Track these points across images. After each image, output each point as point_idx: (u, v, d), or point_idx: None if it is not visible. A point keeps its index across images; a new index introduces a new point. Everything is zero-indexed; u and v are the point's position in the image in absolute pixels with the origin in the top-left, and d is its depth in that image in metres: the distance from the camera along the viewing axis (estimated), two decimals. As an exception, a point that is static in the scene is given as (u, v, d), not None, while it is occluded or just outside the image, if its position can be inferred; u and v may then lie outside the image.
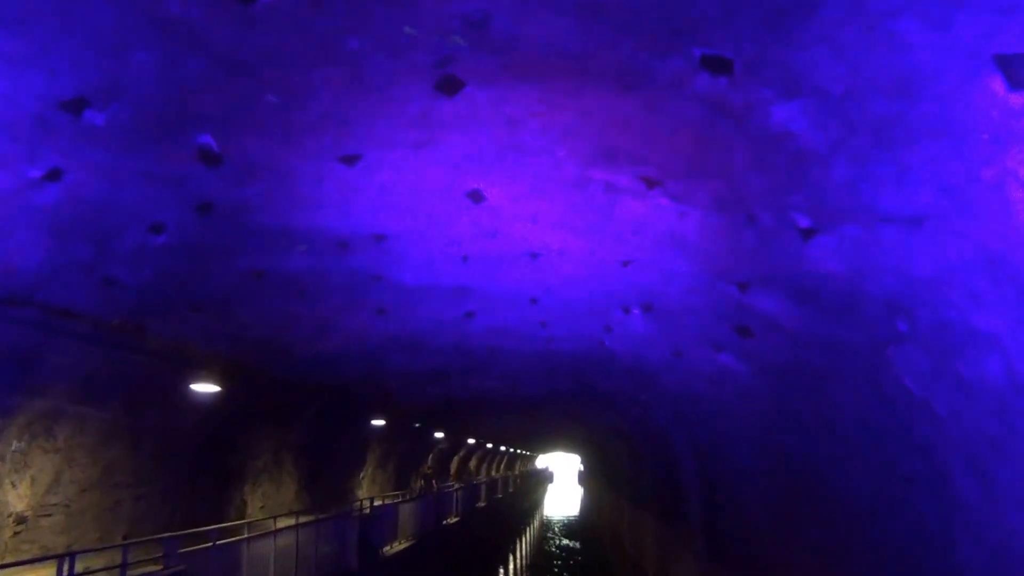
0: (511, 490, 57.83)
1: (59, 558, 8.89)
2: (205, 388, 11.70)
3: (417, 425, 27.67)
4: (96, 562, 12.18)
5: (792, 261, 5.91)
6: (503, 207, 7.18)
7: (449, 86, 5.27)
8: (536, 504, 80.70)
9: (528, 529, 55.42)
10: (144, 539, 11.47)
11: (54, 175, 6.20)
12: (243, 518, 19.50)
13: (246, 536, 12.15)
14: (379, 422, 22.54)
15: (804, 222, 5.22)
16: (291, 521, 14.63)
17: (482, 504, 39.43)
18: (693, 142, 5.31)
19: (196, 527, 13.88)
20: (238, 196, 6.89)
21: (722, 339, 9.12)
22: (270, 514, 20.73)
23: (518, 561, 40.23)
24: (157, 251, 8.33)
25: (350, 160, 6.29)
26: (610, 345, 13.87)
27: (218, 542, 11.12)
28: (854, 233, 5.12)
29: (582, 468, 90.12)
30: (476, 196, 6.99)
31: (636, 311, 10.39)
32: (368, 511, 18.54)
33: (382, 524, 18.41)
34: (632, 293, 9.12)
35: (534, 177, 6.54)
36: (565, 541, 49.51)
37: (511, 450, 69.32)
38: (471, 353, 16.41)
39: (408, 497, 24.26)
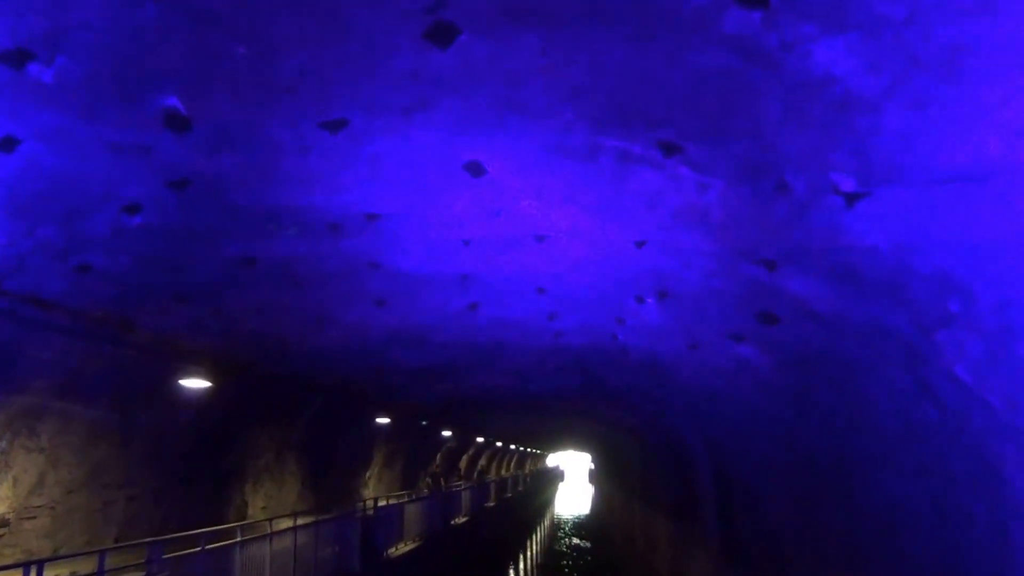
0: (521, 489, 57.24)
1: (24, 566, 8.30)
2: (195, 384, 11.12)
3: (424, 423, 27.07)
4: (84, 566, 11.64)
5: (829, 234, 5.26)
6: (505, 181, 6.55)
7: (441, 35, 4.64)
8: (547, 503, 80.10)
9: (539, 528, 54.80)
10: (124, 544, 10.85)
11: (7, 144, 5.60)
12: (244, 519, 18.95)
13: (238, 540, 11.55)
14: (384, 420, 21.93)
15: (847, 185, 4.56)
16: (289, 523, 14.02)
17: (492, 503, 38.83)
18: (719, 97, 4.66)
19: (193, 529, 13.33)
20: (214, 169, 6.27)
21: (743, 328, 8.46)
22: (272, 515, 20.21)
23: (528, 561, 39.62)
24: (134, 234, 7.73)
25: (334, 127, 5.67)
26: (623, 339, 13.22)
27: (207, 546, 10.51)
28: (904, 197, 4.47)
29: (593, 467, 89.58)
30: (475, 168, 6.36)
31: (650, 300, 9.73)
32: (371, 512, 17.93)
33: (386, 525, 17.81)
34: (646, 278, 8.47)
35: (539, 146, 5.90)
36: (576, 540, 48.88)
37: (521, 449, 68.76)
38: (477, 348, 15.78)
39: (414, 497, 23.66)
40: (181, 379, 10.87)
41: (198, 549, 10.43)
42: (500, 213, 7.26)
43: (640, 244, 7.27)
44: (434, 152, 6.12)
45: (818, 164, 4.63)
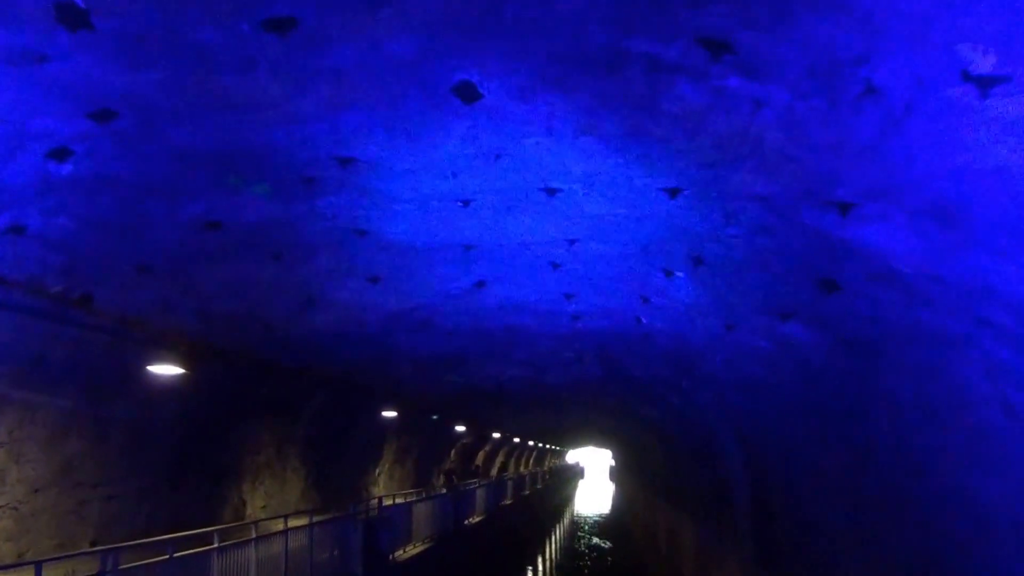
0: (539, 486, 55.92)
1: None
2: (167, 371, 9.90)
3: (435, 417, 25.83)
4: (56, 572, 10.49)
5: (935, 153, 3.90)
6: (506, 109, 5.23)
7: None
8: (566, 500, 78.81)
9: (557, 527, 53.48)
10: (66, 555, 9.59)
11: None
12: (242, 519, 17.79)
13: (215, 546, 10.32)
14: (391, 414, 20.71)
15: (981, 66, 3.20)
16: (280, 525, 12.78)
17: (509, 501, 37.55)
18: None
19: (181, 531, 12.14)
20: (138, 92, 5.00)
21: (794, 300, 7.09)
22: (274, 514, 19.04)
23: (546, 562, 38.32)
24: (70, 188, 6.50)
25: (281, 27, 4.38)
26: (648, 322, 11.87)
27: (176, 554, 9.26)
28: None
29: (613, 463, 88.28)
30: (468, 91, 5.05)
31: (681, 272, 8.38)
32: (375, 511, 16.68)
33: (392, 526, 16.55)
34: (679, 241, 7.12)
35: (547, 56, 4.58)
36: (596, 540, 47.52)
37: (540, 445, 67.45)
38: (488, 335, 14.47)
39: (425, 495, 22.42)
40: (152, 365, 9.66)
41: (165, 558, 9.19)
42: (501, 156, 5.94)
43: (674, 192, 5.93)
44: (413, 68, 4.81)
45: (933, 44, 3.27)
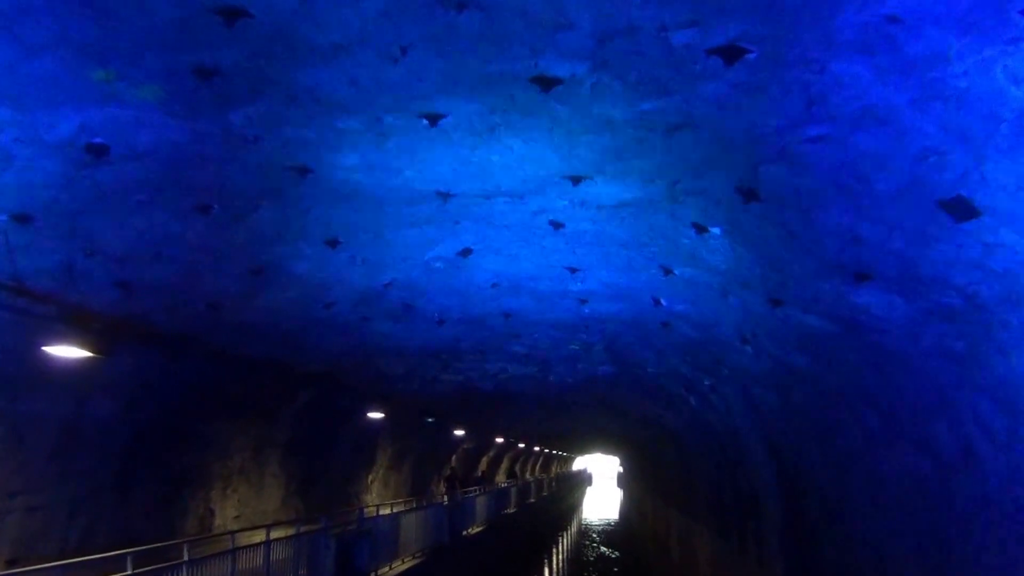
0: (545, 494, 53.88)
1: None
2: (67, 353, 8.00)
3: (430, 420, 23.92)
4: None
5: None
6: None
7: None
8: (573, 508, 76.84)
9: (563, 537, 51.40)
10: None
11: None
12: (210, 531, 15.89)
13: (129, 573, 8.40)
14: (379, 415, 18.82)
15: None
16: (260, 536, 10.81)
17: (512, 510, 35.57)
18: None
19: (129, 547, 10.25)
20: None
21: (883, 249, 5.15)
22: (249, 524, 17.13)
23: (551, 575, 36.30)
24: None
25: None
26: (667, 305, 9.94)
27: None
28: None
29: (622, 470, 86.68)
30: None
31: (718, 227, 6.46)
32: (353, 525, 14.73)
33: (374, 540, 14.61)
34: (724, 162, 5.17)
35: None
36: (604, 550, 45.44)
37: (546, 451, 65.46)
38: (482, 324, 12.55)
39: (417, 504, 20.48)
40: (51, 346, 7.77)
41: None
42: (466, 4, 4.01)
43: (731, 54, 3.97)
44: None
45: None
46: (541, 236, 8.05)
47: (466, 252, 8.61)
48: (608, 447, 63.93)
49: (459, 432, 28.78)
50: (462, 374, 18.81)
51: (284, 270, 8.80)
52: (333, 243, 8.02)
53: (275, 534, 12.93)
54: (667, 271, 8.31)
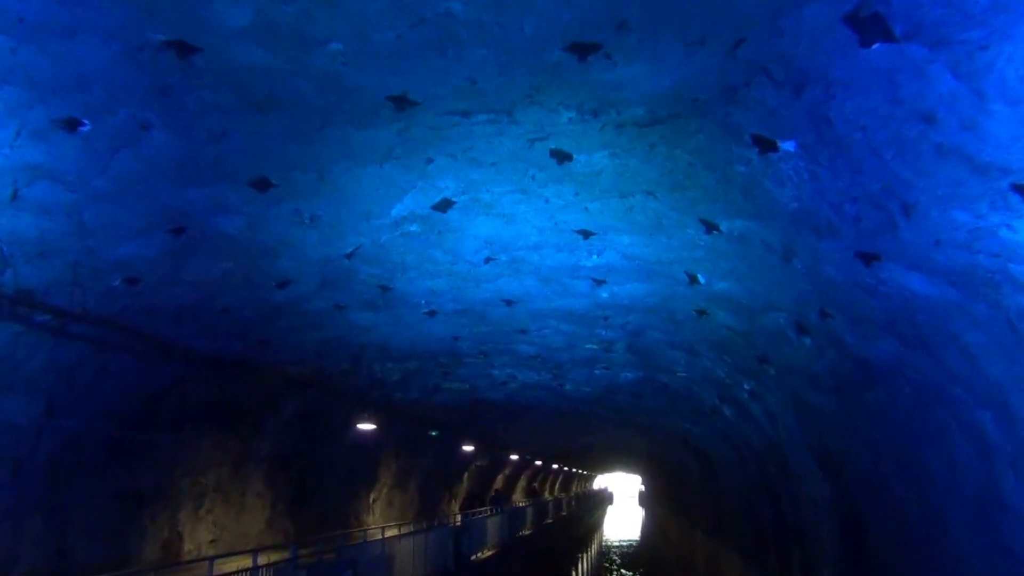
0: (564, 513, 51.47)
1: None
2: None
3: (434, 434, 21.91)
4: None
5: None
6: None
7: None
8: (593, 528, 74.36)
9: (582, 559, 48.96)
10: None
11: None
12: (178, 557, 13.94)
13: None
14: (371, 426, 16.83)
15: None
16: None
17: (527, 531, 33.35)
18: None
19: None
20: None
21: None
22: (227, 549, 15.17)
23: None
24: None
25: None
26: (706, 282, 7.90)
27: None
28: None
29: (643, 488, 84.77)
30: None
31: (789, 143, 4.46)
32: (331, 554, 12.69)
33: (357, 573, 12.56)
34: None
35: None
36: (626, 573, 43.06)
37: (564, 469, 63.12)
38: (480, 314, 10.54)
39: (413, 528, 18.40)
40: None
41: None
42: None
43: None
44: None
45: None
46: (542, 181, 6.05)
47: (444, 205, 6.62)
48: (629, 465, 61.69)
49: (469, 448, 26.69)
50: (467, 382, 16.82)
51: (209, 228, 6.83)
52: (262, 185, 6.06)
53: (268, 558, 10.91)
54: (710, 227, 6.28)
